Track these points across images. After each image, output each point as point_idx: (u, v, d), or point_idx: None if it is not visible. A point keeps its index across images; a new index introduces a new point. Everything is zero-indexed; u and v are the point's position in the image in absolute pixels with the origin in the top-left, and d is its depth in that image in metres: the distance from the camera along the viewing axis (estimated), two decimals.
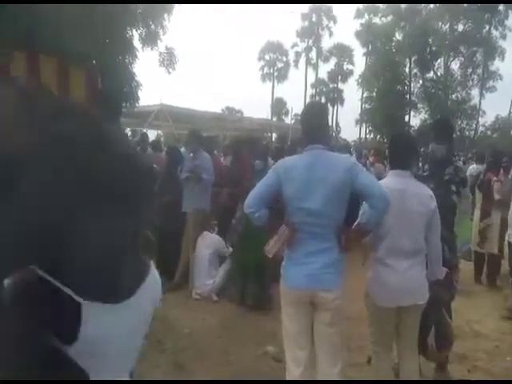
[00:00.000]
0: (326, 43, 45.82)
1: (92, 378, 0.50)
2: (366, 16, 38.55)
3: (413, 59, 34.90)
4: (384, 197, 2.03)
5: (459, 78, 34.34)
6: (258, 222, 2.22)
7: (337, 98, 44.39)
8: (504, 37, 31.51)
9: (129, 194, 0.48)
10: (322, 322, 2.14)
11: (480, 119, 34.19)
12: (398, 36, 35.62)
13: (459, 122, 32.74)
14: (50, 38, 5.79)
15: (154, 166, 6.11)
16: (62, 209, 0.40)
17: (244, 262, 4.45)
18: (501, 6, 30.21)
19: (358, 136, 40.37)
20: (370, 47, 38.73)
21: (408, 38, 33.42)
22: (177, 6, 8.63)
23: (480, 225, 5.37)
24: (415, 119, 36.46)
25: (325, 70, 49.56)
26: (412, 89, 35.75)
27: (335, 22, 42.92)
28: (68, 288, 0.46)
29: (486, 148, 11.07)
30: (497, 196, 5.19)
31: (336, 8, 41.91)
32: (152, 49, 8.06)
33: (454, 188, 3.02)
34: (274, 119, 40.03)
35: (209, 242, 4.82)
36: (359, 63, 51.34)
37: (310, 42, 44.31)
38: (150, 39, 7.87)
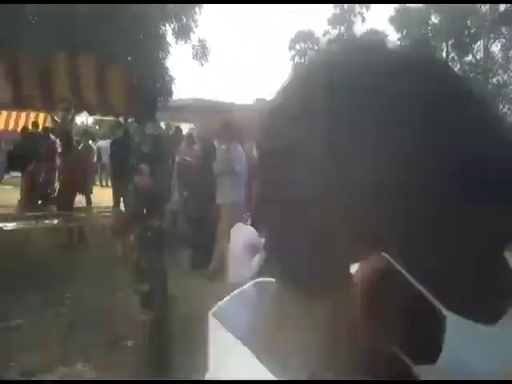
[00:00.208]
0: (359, 30, 44.71)
1: None
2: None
3: (450, 43, 33.53)
4: None
5: (500, 60, 32.74)
6: None
7: None
8: None
9: None
10: None
11: None
12: (435, 19, 34.29)
13: (500, 107, 31.29)
14: (88, 39, 6.02)
15: (188, 159, 6.24)
16: None
17: None
18: None
19: None
20: (404, 32, 37.51)
21: (445, 21, 32.11)
22: None
23: None
24: None
25: None
26: None
27: (368, 7, 41.83)
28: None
29: None
30: None
31: None
32: (185, 42, 8.19)
33: None
34: None
35: (243, 233, 4.87)
36: None
37: (343, 28, 43.40)
38: (183, 33, 7.99)
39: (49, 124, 10.70)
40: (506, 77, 32.50)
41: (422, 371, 0.35)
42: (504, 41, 32.21)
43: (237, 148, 5.17)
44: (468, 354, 0.38)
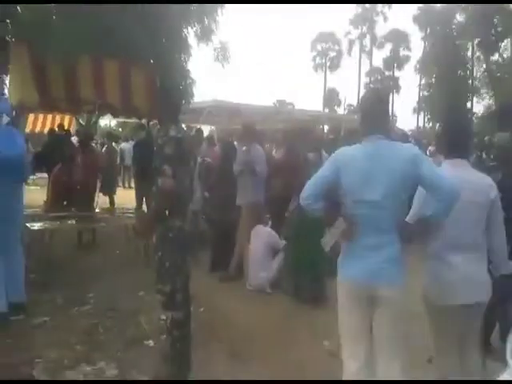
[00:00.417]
0: (381, 29, 44.12)
1: None
2: None
3: (476, 41, 32.67)
4: (453, 188, 1.92)
5: None
6: (314, 214, 2.18)
7: (392, 85, 42.68)
8: None
9: None
10: (381, 319, 2.06)
11: None
12: (460, 18, 33.53)
13: None
14: (112, 42, 6.11)
15: (209, 160, 6.27)
16: None
17: (298, 254, 4.46)
18: None
19: (415, 125, 38.70)
20: (428, 31, 36.80)
21: (471, 19, 31.29)
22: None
23: None
24: (478, 105, 34.22)
25: (380, 57, 47.76)
26: (475, 73, 33.55)
27: (390, 6, 41.24)
28: None
29: None
30: None
31: None
32: (207, 44, 8.22)
33: None
34: (326, 110, 39.32)
35: (262, 235, 4.87)
36: (416, 49, 49.03)
37: (364, 28, 42.90)
38: (205, 35, 8.03)
39: (74, 126, 10.96)
40: None
41: None
42: None
43: (257, 149, 5.17)
44: None
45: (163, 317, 2.80)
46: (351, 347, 2.13)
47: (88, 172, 6.00)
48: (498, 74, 32.09)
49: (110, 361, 3.08)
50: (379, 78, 43.70)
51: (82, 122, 9.51)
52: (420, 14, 36.75)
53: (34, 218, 5.20)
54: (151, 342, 3.34)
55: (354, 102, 39.02)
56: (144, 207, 6.74)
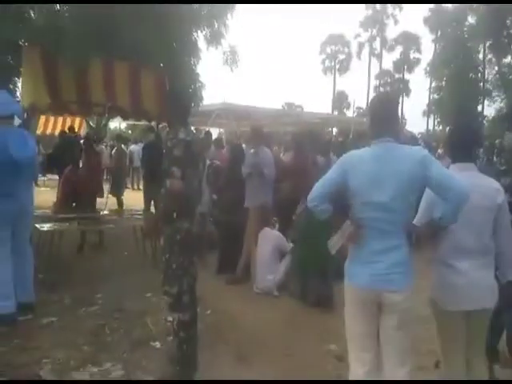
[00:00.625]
0: (391, 32, 43.97)
1: None
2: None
3: (487, 44, 32.34)
4: (463, 189, 1.90)
5: None
6: (321, 216, 2.17)
7: (402, 88, 42.44)
8: None
9: None
10: (388, 324, 2.04)
11: None
12: (471, 19, 33.21)
13: None
14: (122, 46, 6.17)
15: (217, 162, 6.29)
16: None
17: (305, 257, 4.44)
18: None
19: (425, 128, 38.40)
20: (439, 33, 36.55)
21: (482, 21, 30.98)
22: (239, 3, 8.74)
23: None
24: (489, 108, 33.80)
25: (390, 59, 47.62)
26: (486, 76, 33.17)
27: (401, 9, 41.06)
28: None
29: None
30: None
31: None
32: (216, 48, 8.24)
33: None
34: (336, 113, 39.21)
35: (270, 238, 4.86)
36: (427, 51, 48.71)
37: (374, 31, 42.75)
38: (215, 39, 8.06)
39: (84, 128, 11.07)
40: None
41: None
42: None
43: (265, 151, 5.17)
44: None
45: (170, 318, 2.81)
46: (358, 352, 2.12)
47: (90, 174, 6.03)
48: (510, 77, 31.69)
49: (117, 362, 3.09)
50: (389, 80, 43.49)
51: (92, 124, 9.61)
52: (431, 16, 36.53)
53: (44, 219, 5.26)
54: (158, 344, 3.35)
55: (364, 105, 38.84)
56: (152, 209, 6.77)
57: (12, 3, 6.17)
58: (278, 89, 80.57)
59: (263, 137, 5.46)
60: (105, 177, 11.48)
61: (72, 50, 5.59)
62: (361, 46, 43.73)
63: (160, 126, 8.14)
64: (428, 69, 37.88)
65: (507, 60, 32.39)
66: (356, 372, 2.11)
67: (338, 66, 44.81)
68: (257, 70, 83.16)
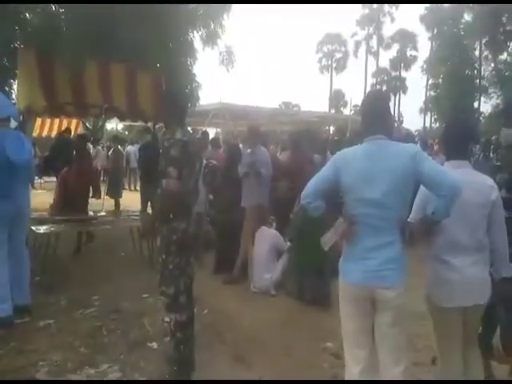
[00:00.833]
0: (388, 30, 44.05)
1: None
2: None
3: (483, 41, 32.40)
4: (455, 184, 1.91)
5: None
6: (314, 214, 2.18)
7: (399, 86, 42.51)
8: None
9: None
10: (383, 321, 2.05)
11: None
12: (467, 17, 33.26)
13: None
14: (119, 47, 6.16)
15: (214, 162, 6.28)
16: None
17: (302, 256, 4.45)
18: None
19: (422, 125, 38.47)
20: (435, 31, 36.58)
21: (478, 18, 31.04)
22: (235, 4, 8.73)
23: None
24: (486, 105, 33.88)
25: (386, 57, 47.68)
26: (482, 73, 33.22)
27: (397, 7, 41.09)
28: None
29: None
30: None
31: None
32: (213, 48, 8.23)
33: None
34: (333, 111, 39.23)
35: (267, 237, 4.86)
36: (423, 49, 48.83)
37: (371, 29, 42.78)
38: (211, 39, 8.05)
39: (81, 130, 11.03)
40: None
41: None
42: None
43: (262, 151, 5.17)
44: None
45: (167, 319, 2.81)
46: (353, 350, 2.13)
47: (82, 175, 5.99)
48: (507, 74, 31.74)
49: (114, 363, 3.09)
50: (386, 78, 43.53)
51: (88, 125, 9.59)
52: (427, 14, 36.56)
53: (41, 221, 5.24)
54: (155, 344, 3.34)
55: (360, 103, 38.86)
56: (149, 210, 6.76)
57: (9, 3, 6.14)
58: (275, 88, 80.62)
59: (260, 136, 5.45)
60: (102, 178, 11.51)
61: (68, 51, 5.56)
62: (357, 44, 43.79)
63: (157, 126, 8.13)
64: (425, 66, 37.92)
65: (503, 57, 32.47)
66: (351, 370, 2.12)
67: (334, 65, 44.83)
68: (254, 70, 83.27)
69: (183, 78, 7.68)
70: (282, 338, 3.56)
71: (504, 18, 30.73)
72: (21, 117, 5.21)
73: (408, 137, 7.77)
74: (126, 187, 13.39)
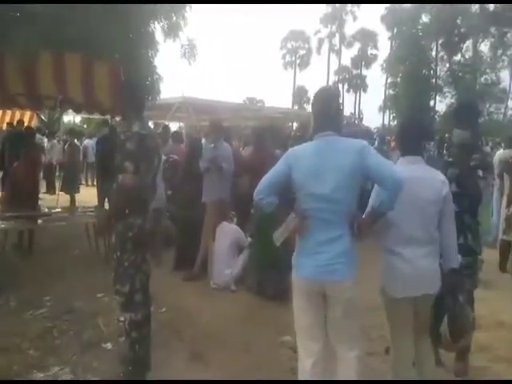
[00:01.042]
0: (350, 28, 44.95)
1: None
2: None
3: (440, 42, 33.73)
4: (396, 177, 1.98)
5: (489, 60, 33.02)
6: (267, 209, 2.21)
7: (360, 84, 43.50)
8: None
9: None
10: (334, 315, 2.10)
11: (510, 102, 32.84)
12: (425, 18, 34.48)
13: (487, 106, 31.59)
14: (75, 36, 5.88)
15: (175, 156, 6.17)
16: None
17: (262, 252, 4.45)
18: None
19: (381, 123, 39.57)
20: (395, 31, 37.66)
21: (435, 20, 32.26)
22: None
23: (506, 212, 5.16)
24: (441, 104, 35.35)
25: (348, 56, 48.59)
26: (438, 73, 34.62)
27: (359, 6, 41.96)
28: None
29: None
30: None
31: None
32: (174, 41, 8.05)
33: (480, 174, 2.91)
34: (296, 107, 39.62)
35: (228, 232, 4.83)
36: (384, 48, 50.18)
37: (334, 27, 43.48)
38: (172, 31, 7.87)
39: (35, 122, 10.53)
40: (494, 76, 32.75)
41: None
42: (493, 40, 32.43)
43: (224, 146, 5.12)
44: None
45: (122, 318, 2.73)
46: (306, 343, 2.17)
47: (28, 169, 5.71)
48: (460, 74, 33.25)
49: (65, 365, 2.96)
50: (347, 76, 44.41)
51: (44, 118, 9.16)
52: (387, 15, 37.56)
53: None
54: (109, 345, 3.25)
55: (311, 101, 39.48)
56: (106, 205, 6.56)
57: None
58: (240, 83, 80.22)
59: (222, 131, 5.40)
60: (57, 173, 11.04)
61: (19, 40, 5.26)
62: (320, 41, 44.40)
63: (117, 119, 7.88)
64: (384, 65, 39.00)
65: (457, 58, 33.99)
66: (304, 363, 2.16)
67: (298, 62, 45.24)
68: (218, 65, 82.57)
69: (143, 70, 7.46)
70: (242, 334, 3.56)
71: (458, 21, 32.12)
72: None
73: (367, 133, 7.96)
74: (84, 182, 12.95)
